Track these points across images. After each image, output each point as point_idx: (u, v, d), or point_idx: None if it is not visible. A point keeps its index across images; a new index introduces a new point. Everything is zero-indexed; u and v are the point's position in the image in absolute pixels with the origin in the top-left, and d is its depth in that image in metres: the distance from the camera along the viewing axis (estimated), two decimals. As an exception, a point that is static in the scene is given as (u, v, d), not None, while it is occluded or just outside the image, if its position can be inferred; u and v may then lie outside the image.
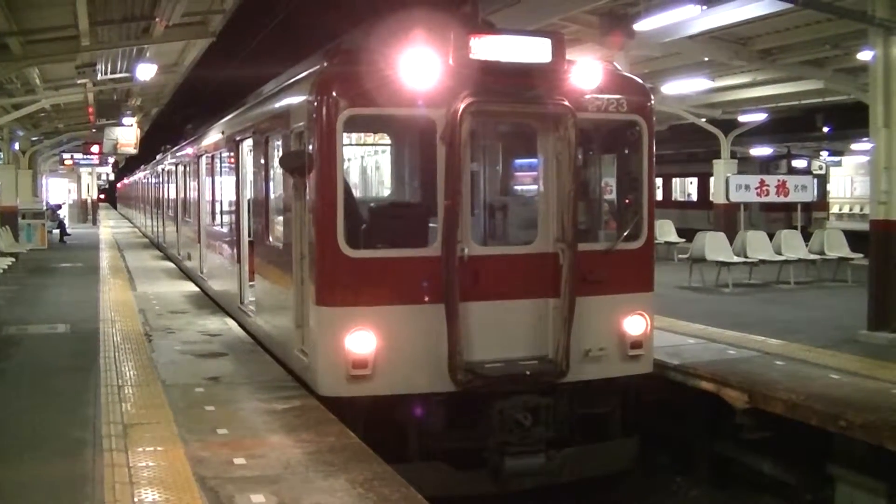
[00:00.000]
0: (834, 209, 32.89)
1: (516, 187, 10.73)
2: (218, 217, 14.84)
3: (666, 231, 24.23)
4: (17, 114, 23.78)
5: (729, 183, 20.33)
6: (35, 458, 6.78)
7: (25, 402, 8.60)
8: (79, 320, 13.27)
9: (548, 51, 8.26)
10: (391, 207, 10.83)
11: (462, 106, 7.96)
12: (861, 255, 17.34)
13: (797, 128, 33.08)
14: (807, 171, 32.87)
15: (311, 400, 8.24)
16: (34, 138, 33.02)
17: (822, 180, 31.78)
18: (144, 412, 7.95)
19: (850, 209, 31.71)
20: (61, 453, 6.86)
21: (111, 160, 46.76)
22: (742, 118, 26.80)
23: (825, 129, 33.67)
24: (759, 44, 18.00)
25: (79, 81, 20.24)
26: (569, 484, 8.62)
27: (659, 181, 33.21)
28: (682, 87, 22.10)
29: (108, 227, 44.45)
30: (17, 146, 30.00)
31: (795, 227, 20.58)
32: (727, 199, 20.90)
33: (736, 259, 17.96)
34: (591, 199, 9.62)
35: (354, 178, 15.37)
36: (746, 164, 31.57)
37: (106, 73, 19.99)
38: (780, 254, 18.47)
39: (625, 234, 9.01)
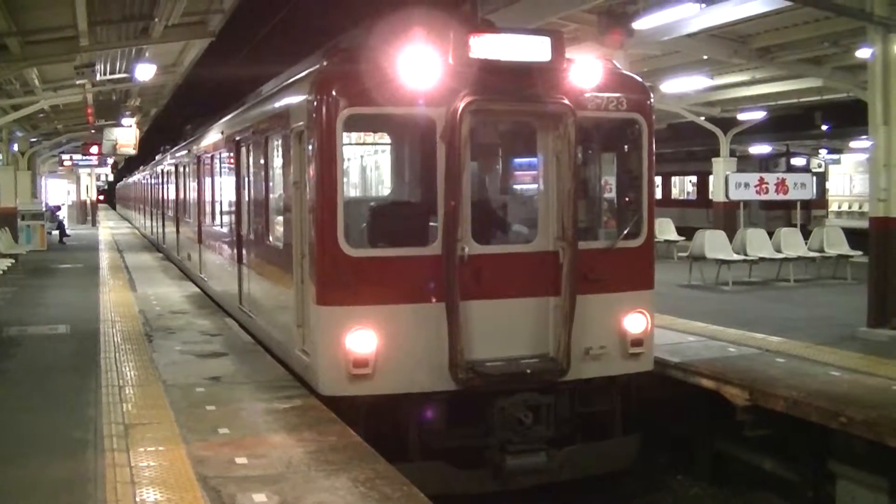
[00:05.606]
0: (833, 207, 32.83)
1: (516, 186, 10.73)
2: (218, 217, 14.83)
3: (665, 229, 24.22)
4: (16, 115, 23.77)
5: (728, 181, 20.34)
6: (37, 458, 6.79)
7: (27, 402, 8.61)
8: (79, 321, 13.27)
9: (547, 49, 8.27)
10: (391, 206, 10.83)
11: (462, 105, 7.97)
12: (860, 253, 17.34)
13: (796, 126, 33.05)
14: (806, 169, 32.89)
15: (312, 399, 8.25)
16: (33, 139, 33.04)
17: (822, 178, 31.73)
18: (145, 412, 7.95)
19: (850, 207, 31.66)
20: (63, 453, 6.86)
21: (110, 161, 46.77)
22: (741, 116, 26.79)
23: (824, 127, 33.65)
24: (758, 42, 17.99)
25: (78, 82, 20.18)
26: (569, 482, 8.64)
27: (658, 179, 33.21)
28: (682, 85, 22.11)
29: (108, 227, 44.41)
30: (15, 147, 30.01)
31: (795, 225, 20.55)
32: (727, 197, 20.91)
33: (736, 257, 17.95)
34: (591, 197, 9.62)
35: (354, 178, 15.35)
36: (745, 163, 31.60)
37: (105, 74, 20.02)
38: (779, 251, 18.46)
39: (625, 232, 9.02)
